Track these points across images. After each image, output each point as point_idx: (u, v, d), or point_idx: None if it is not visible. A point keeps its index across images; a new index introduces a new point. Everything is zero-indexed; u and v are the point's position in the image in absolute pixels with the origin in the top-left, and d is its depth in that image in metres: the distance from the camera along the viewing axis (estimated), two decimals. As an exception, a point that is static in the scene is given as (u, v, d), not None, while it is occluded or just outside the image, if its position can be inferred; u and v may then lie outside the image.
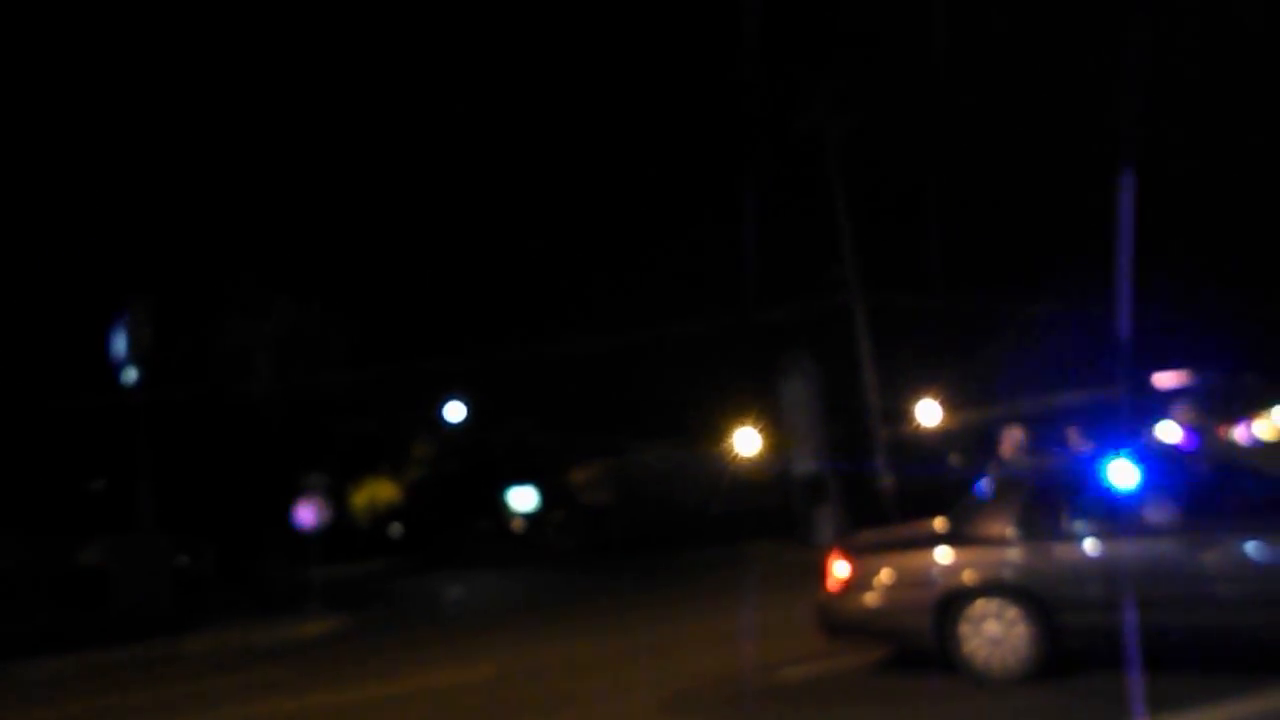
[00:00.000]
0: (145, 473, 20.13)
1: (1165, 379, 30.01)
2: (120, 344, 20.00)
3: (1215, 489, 7.17)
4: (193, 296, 25.04)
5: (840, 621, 7.97)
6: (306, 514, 18.65)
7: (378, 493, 38.86)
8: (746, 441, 24.91)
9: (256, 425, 26.38)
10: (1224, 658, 6.63)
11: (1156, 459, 7.93)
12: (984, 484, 8.16)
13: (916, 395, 25.44)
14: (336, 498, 24.07)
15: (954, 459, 26.63)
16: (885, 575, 7.73)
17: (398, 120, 30.56)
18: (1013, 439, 10.20)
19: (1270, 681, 6.32)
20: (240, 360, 26.02)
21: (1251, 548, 6.57)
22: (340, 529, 24.51)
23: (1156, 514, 6.98)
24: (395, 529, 41.15)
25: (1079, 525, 7.15)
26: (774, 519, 23.20)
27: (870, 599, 7.73)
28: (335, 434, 30.37)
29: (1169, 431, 10.00)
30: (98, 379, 21.29)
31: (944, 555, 7.53)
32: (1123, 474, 7.27)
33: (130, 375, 19.98)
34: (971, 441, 27.33)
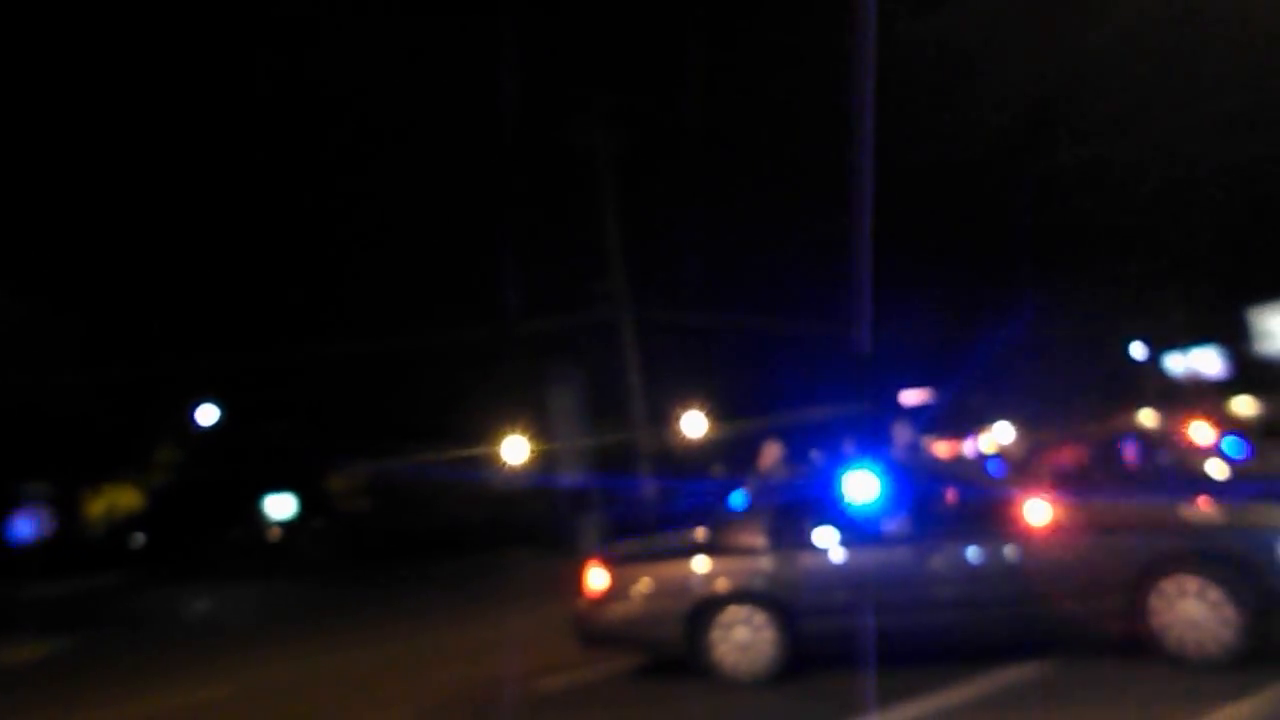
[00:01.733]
0: None
1: (910, 396, 32.39)
2: None
3: (939, 500, 7.76)
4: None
5: (597, 631, 8.04)
6: (24, 525, 16.97)
7: (118, 500, 35.93)
8: (513, 450, 24.82)
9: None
10: (947, 653, 7.18)
11: (893, 472, 8.50)
12: (739, 495, 8.47)
13: (681, 407, 26.20)
14: (66, 506, 22.08)
15: (715, 470, 27.62)
16: (642, 584, 7.87)
17: (144, 104, 28.40)
18: (771, 453, 10.59)
19: (983, 670, 6.88)
20: None
21: (970, 553, 7.15)
22: (71, 540, 22.48)
23: (889, 524, 7.47)
24: (137, 539, 38.12)
25: (822, 535, 7.55)
26: (538, 528, 23.22)
27: (627, 608, 7.85)
28: (66, 437, 27.80)
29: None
30: None
31: (699, 564, 7.75)
32: (862, 487, 7.74)
33: None
34: (731, 453, 28.44)
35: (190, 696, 9.73)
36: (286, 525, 37.82)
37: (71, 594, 23.63)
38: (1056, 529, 7.06)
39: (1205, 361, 30.93)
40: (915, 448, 10.67)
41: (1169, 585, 6.58)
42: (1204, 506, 7.65)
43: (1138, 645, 6.64)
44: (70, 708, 10.39)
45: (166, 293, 28.19)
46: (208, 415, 28.66)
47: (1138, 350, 31.65)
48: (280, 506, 37.69)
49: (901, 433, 10.70)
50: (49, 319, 24.79)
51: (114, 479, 35.15)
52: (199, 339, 26.77)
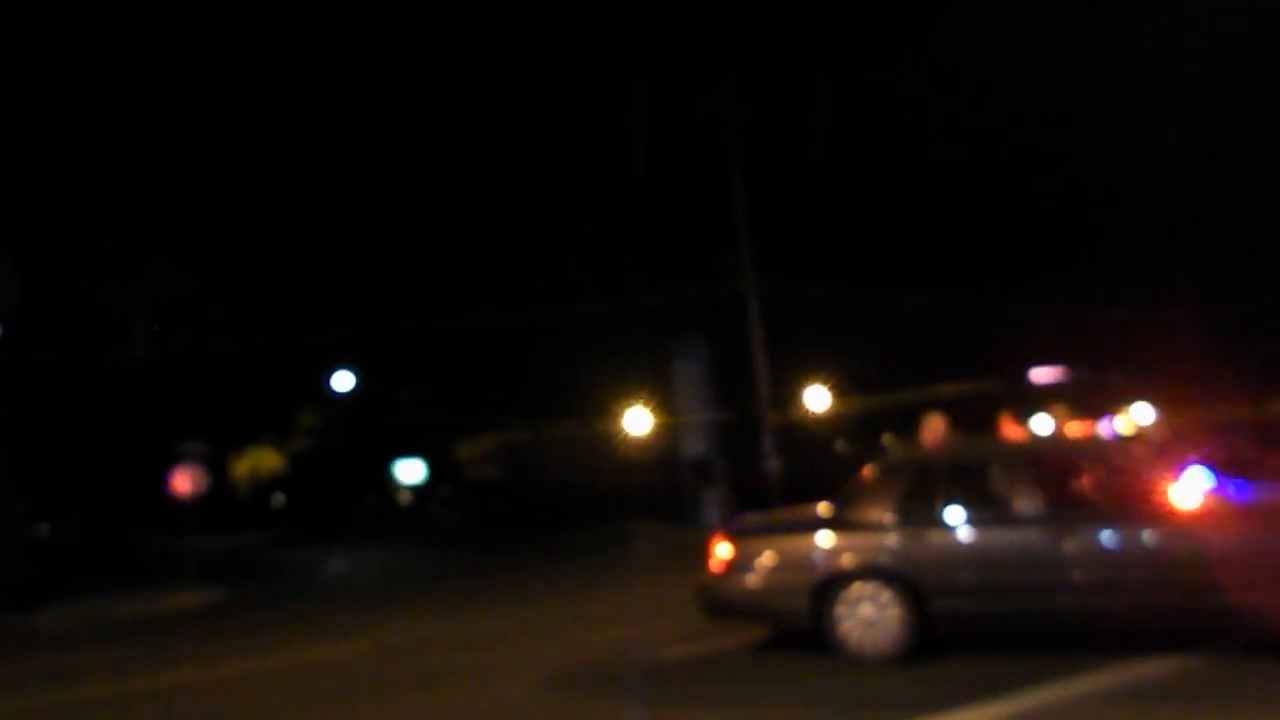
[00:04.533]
0: (3, 436, 19.11)
1: (1041, 374, 31.31)
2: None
3: (1079, 481, 7.52)
4: (64, 255, 23.84)
5: (721, 602, 8.09)
6: (183, 482, 18.04)
7: (260, 462, 37.77)
8: (637, 422, 25.03)
9: (129, 390, 25.34)
10: (1079, 639, 6.97)
11: (1027, 451, 8.26)
12: (868, 470, 8.37)
13: (806, 382, 25.95)
14: (216, 467, 23.34)
15: (840, 445, 27.31)
16: (767, 558, 7.88)
17: (290, 88, 29.57)
18: (935, 426, 10.26)
19: (1111, 661, 6.67)
20: (114, 323, 24.92)
21: (1105, 536, 6.92)
22: (220, 499, 23.78)
23: (1024, 504, 7.27)
24: (278, 500, 40.04)
25: (952, 513, 7.41)
26: (661, 499, 23.40)
27: (751, 580, 7.87)
28: (216, 401, 29.36)
29: (1043, 424, 10.36)
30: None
31: (824, 539, 7.71)
32: (1000, 464, 7.55)
33: (-7, 333, 18.92)
34: (857, 428, 28.05)
35: (334, 651, 10.21)
36: (416, 490, 39.12)
37: (222, 549, 25.03)
38: (1208, 516, 6.76)
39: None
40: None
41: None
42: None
43: None
44: (227, 653, 11.09)
45: (308, 264, 29.39)
46: (344, 382, 29.80)
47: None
48: (410, 472, 39.00)
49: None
50: (204, 290, 26.17)
51: (258, 442, 36.93)
52: (338, 310, 27.87)
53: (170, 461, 18.22)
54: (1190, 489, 6.93)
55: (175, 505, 18.33)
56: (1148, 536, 6.81)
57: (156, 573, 19.16)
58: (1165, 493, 6.92)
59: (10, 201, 24.62)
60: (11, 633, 14.28)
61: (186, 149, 28.38)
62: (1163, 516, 6.81)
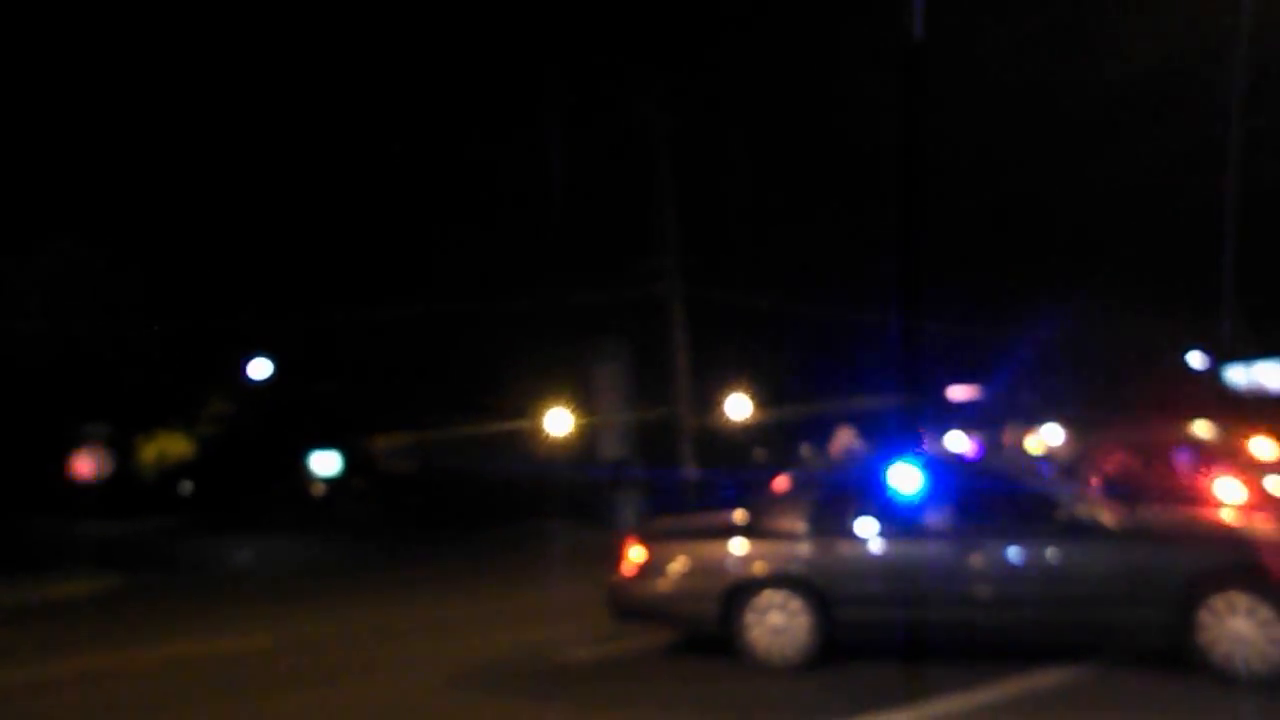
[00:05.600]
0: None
1: (957, 392, 32.02)
2: None
3: (986, 497, 7.67)
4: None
5: (632, 605, 8.08)
6: (84, 465, 17.41)
7: (168, 447, 36.65)
8: (555, 422, 24.93)
9: (25, 369, 24.33)
10: (982, 651, 7.11)
11: (936, 466, 8.42)
12: (781, 479, 8.44)
13: (725, 389, 26.11)
14: (122, 451, 22.58)
15: (757, 454, 27.54)
16: (679, 562, 7.88)
17: (217, 69, 28.77)
18: (844, 438, 10.43)
19: (1018, 671, 6.81)
20: (8, 297, 23.91)
21: (1011, 552, 7.07)
22: (125, 483, 22.98)
23: (932, 518, 7.40)
24: (186, 486, 38.90)
25: (862, 525, 7.50)
26: (577, 500, 23.33)
27: (662, 584, 7.87)
28: (122, 384, 28.40)
29: (957, 441, 10.62)
30: None
31: (737, 546, 7.74)
32: (905, 479, 7.67)
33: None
34: (774, 437, 28.34)
35: (232, 644, 9.94)
36: (330, 482, 38.43)
37: (122, 535, 24.18)
38: (1103, 533, 6.95)
39: (1270, 375, 30.11)
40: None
41: (1219, 601, 6.46)
42: (1261, 521, 7.49)
43: (1182, 659, 6.53)
44: (117, 643, 10.67)
45: (225, 248, 28.64)
46: (260, 370, 29.11)
47: (1196, 360, 30.93)
48: (324, 464, 38.27)
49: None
50: (113, 269, 25.29)
51: (166, 427, 35.86)
52: (255, 295, 27.20)
53: (71, 444, 17.55)
54: (1089, 507, 7.12)
55: (74, 489, 17.66)
56: (1049, 553, 6.98)
57: (48, 558, 18.39)
58: (1068, 509, 7.10)
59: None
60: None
61: (106, 121, 27.35)
62: (1063, 534, 6.99)
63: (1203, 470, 11.98)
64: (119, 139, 27.41)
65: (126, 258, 25.77)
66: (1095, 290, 27.27)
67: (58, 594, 15.25)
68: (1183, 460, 12.33)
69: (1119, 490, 9.93)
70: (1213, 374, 31.02)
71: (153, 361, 28.17)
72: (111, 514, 20.46)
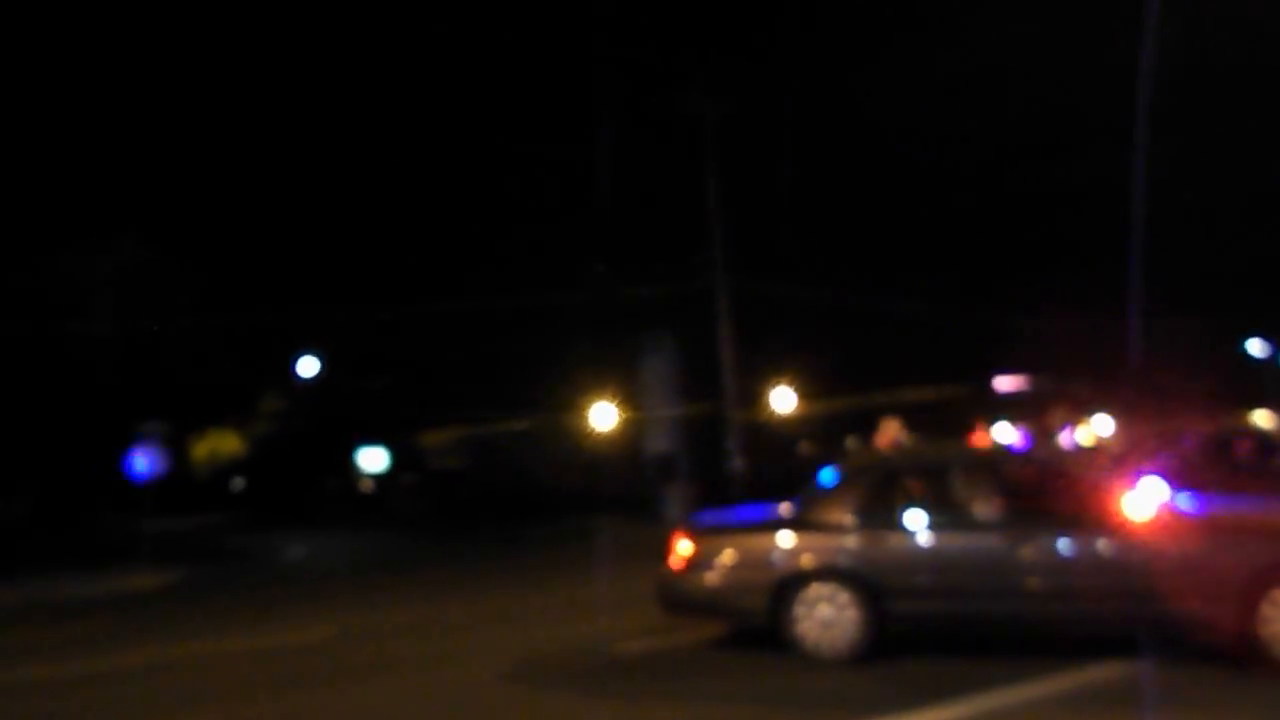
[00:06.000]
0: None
1: (1004, 383, 31.66)
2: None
3: (1037, 488, 7.64)
4: (25, 227, 23.41)
5: (680, 598, 8.14)
6: (142, 462, 17.83)
7: (220, 445, 37.35)
8: (603, 416, 25.04)
9: (89, 367, 24.93)
10: (1034, 644, 7.09)
11: (988, 457, 8.39)
12: (829, 471, 8.45)
13: (772, 382, 26.07)
14: (176, 447, 23.04)
15: (804, 446, 27.47)
16: (727, 556, 7.94)
17: (269, 69, 29.20)
18: (890, 430, 10.41)
19: (1071, 665, 6.78)
20: (75, 298, 24.50)
21: (1062, 544, 7.04)
22: (179, 480, 23.46)
23: (983, 510, 7.38)
24: (237, 483, 39.65)
25: (911, 517, 7.50)
26: (625, 495, 23.43)
27: (711, 578, 7.92)
28: (178, 382, 29.00)
29: (1005, 432, 10.57)
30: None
31: (785, 539, 7.78)
32: (955, 470, 7.66)
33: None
34: (821, 430, 28.25)
35: (293, 636, 10.18)
36: (378, 478, 38.89)
37: (181, 531, 24.75)
38: (1160, 526, 6.89)
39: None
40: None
41: None
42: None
43: (1245, 653, 6.47)
44: (183, 635, 11.00)
45: (278, 245, 29.08)
46: (309, 367, 29.53)
47: (1255, 347, 30.29)
48: (373, 459, 38.76)
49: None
50: (169, 267, 25.78)
51: (219, 424, 36.53)
52: (306, 292, 27.59)
53: (129, 440, 17.98)
54: (1144, 499, 7.06)
55: (133, 485, 18.10)
56: (1102, 545, 6.93)
57: (112, 553, 18.90)
58: (1120, 503, 7.05)
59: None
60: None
61: (164, 122, 27.91)
62: (1116, 526, 6.94)
63: (1266, 461, 11.80)
64: (177, 139, 27.96)
65: (184, 256, 26.27)
66: (1155, 281, 26.80)
67: (123, 587, 15.70)
68: (1243, 450, 12.13)
69: (1177, 481, 9.82)
70: (1273, 362, 30.35)
71: (209, 359, 28.68)
72: (168, 510, 20.93)
